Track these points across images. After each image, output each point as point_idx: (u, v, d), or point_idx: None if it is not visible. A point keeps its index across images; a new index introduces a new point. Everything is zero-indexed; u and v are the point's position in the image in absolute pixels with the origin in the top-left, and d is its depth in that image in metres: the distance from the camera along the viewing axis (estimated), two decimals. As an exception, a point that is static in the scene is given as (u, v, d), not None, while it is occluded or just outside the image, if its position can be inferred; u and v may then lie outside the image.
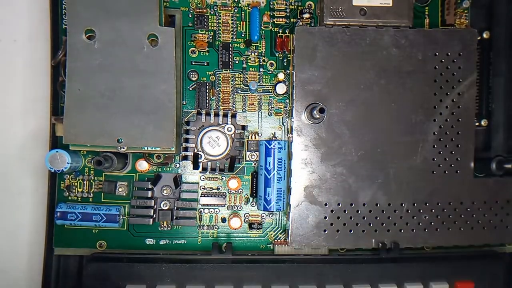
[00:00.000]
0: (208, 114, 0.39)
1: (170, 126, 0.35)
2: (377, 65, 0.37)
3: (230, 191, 0.39)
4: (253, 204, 0.39)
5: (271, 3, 0.39)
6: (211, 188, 0.39)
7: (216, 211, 0.39)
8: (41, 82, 0.40)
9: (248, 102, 0.39)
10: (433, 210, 0.37)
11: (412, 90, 0.37)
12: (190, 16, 0.39)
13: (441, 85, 0.37)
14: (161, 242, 0.39)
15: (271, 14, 0.39)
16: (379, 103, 0.37)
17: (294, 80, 0.36)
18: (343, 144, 0.37)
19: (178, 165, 0.39)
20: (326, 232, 0.36)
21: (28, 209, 0.40)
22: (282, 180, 0.37)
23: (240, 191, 0.39)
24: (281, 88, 0.39)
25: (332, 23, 0.37)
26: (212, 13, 0.39)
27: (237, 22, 0.39)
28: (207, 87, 0.39)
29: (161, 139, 0.35)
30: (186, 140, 0.39)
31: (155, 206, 0.38)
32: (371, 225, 0.37)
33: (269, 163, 0.37)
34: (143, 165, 0.39)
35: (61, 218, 0.36)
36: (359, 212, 0.37)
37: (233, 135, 0.39)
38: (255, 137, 0.39)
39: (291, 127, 0.37)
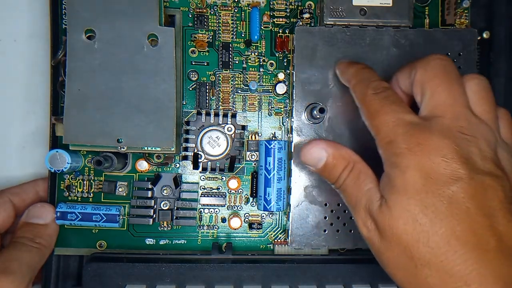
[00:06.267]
0: (208, 114, 0.39)
1: (170, 126, 0.35)
2: (377, 65, 0.37)
3: (230, 191, 0.39)
4: (253, 204, 0.39)
5: (271, 3, 0.39)
6: (211, 188, 0.39)
7: (216, 211, 0.39)
8: (41, 82, 0.40)
9: (248, 102, 0.39)
10: (433, 210, 0.37)
11: (412, 90, 0.37)
12: (190, 16, 0.39)
13: (441, 85, 0.37)
14: (161, 242, 0.39)
15: (271, 14, 0.39)
16: (379, 103, 0.37)
17: (294, 80, 0.36)
18: (343, 144, 0.36)
19: (178, 165, 0.39)
20: (326, 232, 0.36)
21: (28, 209, 0.40)
22: (282, 180, 0.37)
23: (240, 191, 0.39)
24: (281, 88, 0.39)
25: (332, 23, 0.37)
26: (212, 13, 0.39)
27: (237, 22, 0.39)
28: (207, 87, 0.39)
29: (161, 139, 0.35)
30: (186, 140, 0.39)
31: (155, 206, 0.38)
32: (371, 225, 0.37)
33: (269, 163, 0.37)
34: (143, 165, 0.39)
35: (61, 218, 0.36)
36: (359, 212, 0.37)
37: (233, 135, 0.39)
38: (255, 137, 0.39)
39: (291, 127, 0.37)
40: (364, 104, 0.29)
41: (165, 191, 0.38)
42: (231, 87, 0.39)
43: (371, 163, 0.37)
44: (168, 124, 0.34)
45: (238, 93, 0.39)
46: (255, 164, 0.39)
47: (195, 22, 0.38)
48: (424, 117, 0.27)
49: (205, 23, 0.39)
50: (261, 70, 0.39)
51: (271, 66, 0.39)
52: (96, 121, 0.34)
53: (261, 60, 0.39)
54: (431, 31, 0.37)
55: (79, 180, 0.38)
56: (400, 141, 0.26)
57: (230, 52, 0.39)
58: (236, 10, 0.39)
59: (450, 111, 0.26)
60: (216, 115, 0.39)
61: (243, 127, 0.39)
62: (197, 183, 0.39)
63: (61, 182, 0.38)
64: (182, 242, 0.39)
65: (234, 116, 0.39)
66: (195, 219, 0.39)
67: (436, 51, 0.37)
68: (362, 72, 0.32)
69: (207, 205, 0.39)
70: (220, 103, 0.39)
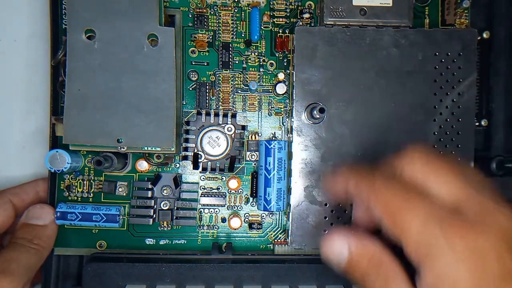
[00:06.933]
0: (208, 114, 0.39)
1: (170, 126, 0.35)
2: (377, 65, 0.37)
3: (230, 191, 0.39)
4: (253, 204, 0.39)
5: (271, 3, 0.39)
6: (211, 188, 0.39)
7: (216, 211, 0.39)
8: (41, 82, 0.40)
9: (248, 102, 0.39)
10: (433, 210, 0.37)
11: (412, 90, 0.37)
12: (190, 16, 0.39)
13: (441, 85, 0.37)
14: (161, 242, 0.39)
15: (271, 14, 0.39)
16: (379, 103, 0.37)
17: (294, 80, 0.36)
18: (343, 144, 0.37)
19: (178, 165, 0.39)
20: (326, 232, 0.36)
21: (28, 209, 0.40)
22: (282, 180, 0.37)
23: (240, 191, 0.39)
24: (281, 88, 0.39)
25: (332, 23, 0.37)
26: (212, 13, 0.39)
27: (237, 22, 0.39)
28: (207, 87, 0.39)
29: (161, 139, 0.35)
30: (186, 140, 0.39)
31: (155, 206, 0.38)
32: (371, 225, 0.37)
33: (269, 163, 0.37)
34: (143, 165, 0.39)
35: (61, 218, 0.36)
36: (359, 212, 0.37)
37: (233, 135, 0.39)
38: (255, 137, 0.39)
39: (291, 127, 0.37)
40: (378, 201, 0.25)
41: (165, 191, 0.38)
42: (231, 87, 0.39)
43: (372, 163, 0.37)
44: (168, 124, 0.34)
45: (238, 93, 0.39)
46: (255, 164, 0.39)
47: (195, 22, 0.38)
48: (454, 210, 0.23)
49: (205, 23, 0.39)
50: (261, 70, 0.39)
51: (271, 66, 0.39)
52: (96, 121, 0.34)
53: (261, 60, 0.39)
54: (431, 31, 0.37)
55: (79, 180, 0.38)
56: (441, 243, 0.22)
57: (230, 52, 0.39)
58: (236, 10, 0.39)
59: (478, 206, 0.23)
60: (216, 115, 0.39)
61: (243, 127, 0.39)
62: (197, 183, 0.39)
63: (61, 182, 0.38)
64: (182, 242, 0.39)
65: (234, 116, 0.39)
66: (195, 219, 0.39)
67: (436, 51, 0.37)
68: (360, 172, 0.28)
69: (207, 205, 0.39)
70: (220, 103, 0.39)
